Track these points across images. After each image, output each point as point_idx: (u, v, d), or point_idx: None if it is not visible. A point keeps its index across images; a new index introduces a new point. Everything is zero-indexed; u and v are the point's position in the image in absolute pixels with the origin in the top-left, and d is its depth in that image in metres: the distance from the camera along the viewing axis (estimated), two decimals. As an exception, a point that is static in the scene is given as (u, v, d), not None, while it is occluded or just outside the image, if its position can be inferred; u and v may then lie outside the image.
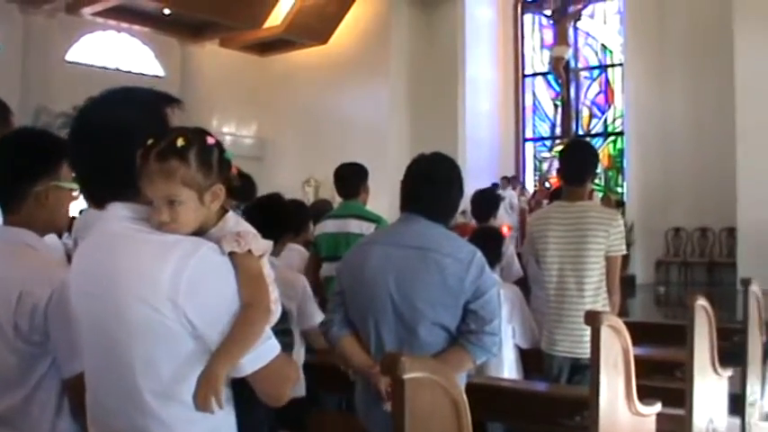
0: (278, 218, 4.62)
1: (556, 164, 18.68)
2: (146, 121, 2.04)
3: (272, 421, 2.23)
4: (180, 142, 1.92)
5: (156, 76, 19.28)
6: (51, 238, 2.90)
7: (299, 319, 4.53)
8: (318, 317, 4.22)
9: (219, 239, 1.96)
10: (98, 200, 2.08)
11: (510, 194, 17.18)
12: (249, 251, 1.96)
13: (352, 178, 6.11)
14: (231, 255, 1.94)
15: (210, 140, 1.99)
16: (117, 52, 19.14)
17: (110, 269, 1.94)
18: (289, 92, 20.51)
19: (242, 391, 2.00)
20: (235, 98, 20.66)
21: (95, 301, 1.97)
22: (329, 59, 19.97)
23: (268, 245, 2.04)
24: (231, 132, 20.69)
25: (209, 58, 20.21)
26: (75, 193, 2.66)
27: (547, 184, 18.12)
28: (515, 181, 18.89)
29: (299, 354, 4.43)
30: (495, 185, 15.39)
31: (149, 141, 1.93)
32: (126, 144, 1.97)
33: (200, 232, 1.99)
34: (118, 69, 18.78)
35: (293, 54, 20.64)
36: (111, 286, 1.92)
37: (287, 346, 2.06)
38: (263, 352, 1.95)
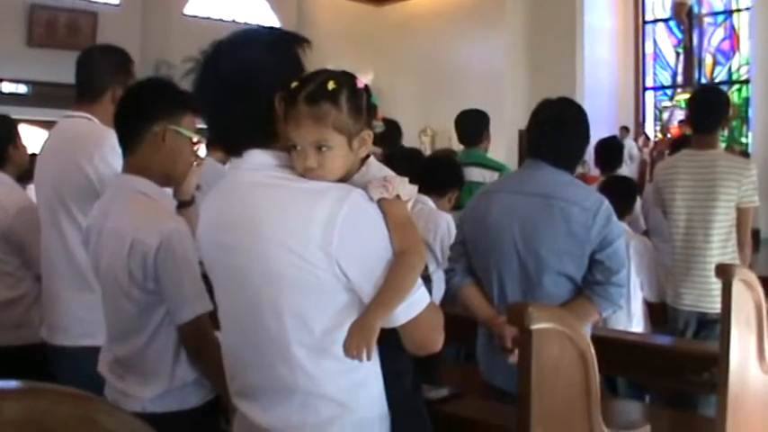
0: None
1: (677, 113, 18.19)
2: (279, 61, 1.98)
3: (413, 371, 2.18)
4: (331, 85, 1.86)
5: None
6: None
7: (442, 255, 4.51)
8: None
9: (366, 185, 1.89)
10: (233, 147, 2.01)
11: (629, 145, 16.72)
12: (397, 196, 1.89)
13: (474, 125, 6.02)
14: (379, 201, 1.88)
15: (360, 84, 1.92)
16: (233, 4, 19.20)
17: (252, 219, 1.88)
18: (404, 41, 20.33)
19: (387, 340, 1.92)
20: (350, 48, 20.52)
21: (234, 254, 1.92)
22: (445, 7, 19.68)
23: (414, 189, 1.96)
24: (347, 82, 20.65)
25: (324, 7, 20.22)
26: (195, 145, 2.67)
27: (668, 135, 17.60)
28: (638, 130, 18.40)
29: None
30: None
31: (293, 84, 1.87)
32: (261, 87, 1.92)
33: (344, 180, 1.92)
34: (234, 21, 18.80)
35: (408, 3, 20.45)
36: (254, 237, 1.87)
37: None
38: (416, 301, 1.88)
